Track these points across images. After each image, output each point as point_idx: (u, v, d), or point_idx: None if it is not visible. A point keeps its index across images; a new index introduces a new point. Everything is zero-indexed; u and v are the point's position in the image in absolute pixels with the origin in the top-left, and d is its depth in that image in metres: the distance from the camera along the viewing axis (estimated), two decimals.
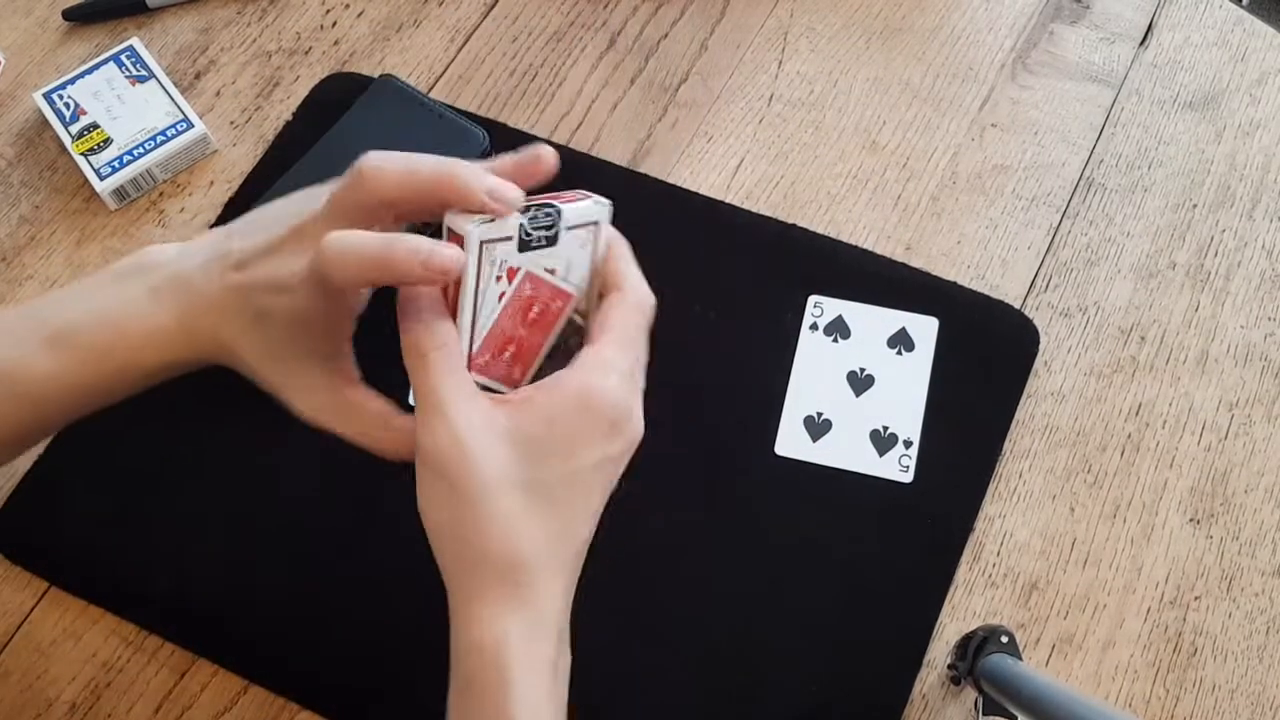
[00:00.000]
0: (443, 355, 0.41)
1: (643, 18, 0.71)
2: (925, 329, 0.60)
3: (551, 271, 0.44)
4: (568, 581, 0.42)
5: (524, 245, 0.43)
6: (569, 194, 0.45)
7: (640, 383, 0.43)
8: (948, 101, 0.68)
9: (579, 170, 0.65)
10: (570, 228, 0.43)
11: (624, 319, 0.42)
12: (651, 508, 0.56)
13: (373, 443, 0.45)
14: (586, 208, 0.44)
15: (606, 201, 0.45)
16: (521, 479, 0.40)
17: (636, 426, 0.42)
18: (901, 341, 0.60)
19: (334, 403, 0.45)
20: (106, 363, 0.44)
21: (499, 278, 0.43)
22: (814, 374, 0.59)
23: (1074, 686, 0.53)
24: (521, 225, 0.42)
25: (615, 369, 0.41)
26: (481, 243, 0.42)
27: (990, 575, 0.56)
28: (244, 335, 0.44)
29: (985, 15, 0.71)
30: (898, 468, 0.57)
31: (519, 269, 0.43)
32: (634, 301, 0.42)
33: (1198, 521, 0.56)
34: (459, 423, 0.39)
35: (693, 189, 0.65)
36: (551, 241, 0.43)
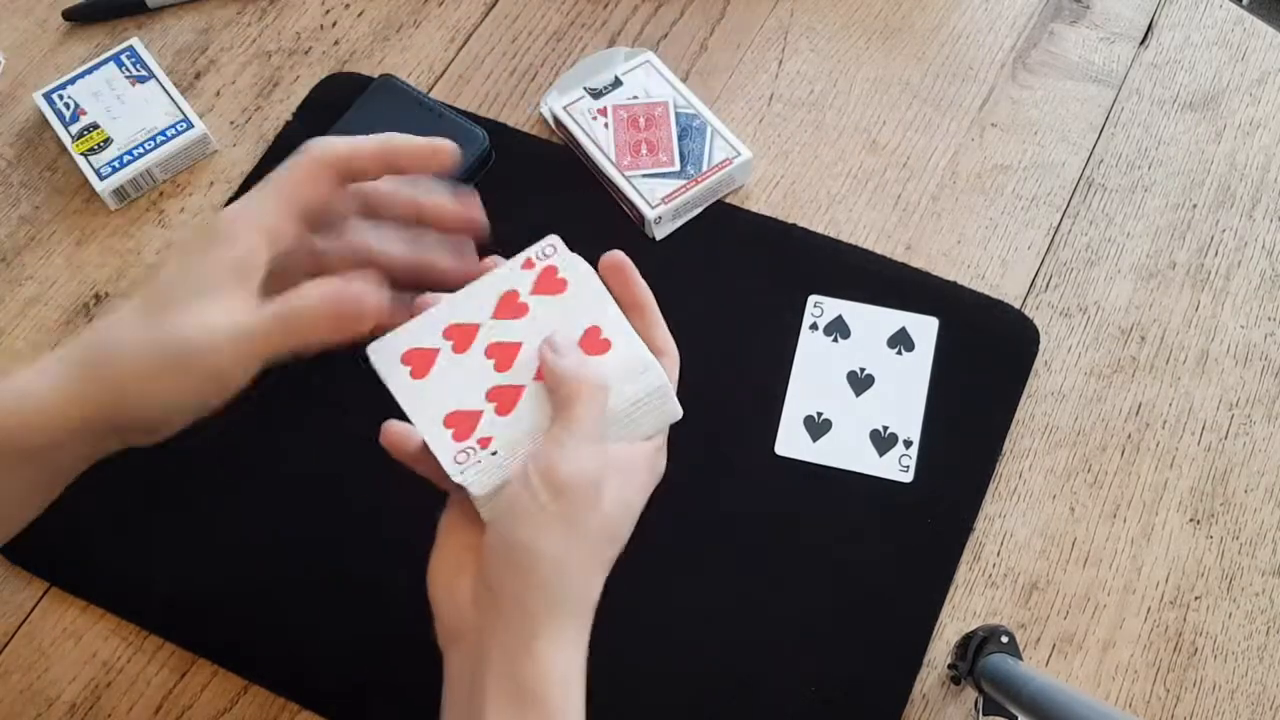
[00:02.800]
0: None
1: (643, 18, 0.71)
2: (925, 329, 0.60)
3: None
4: None
5: None
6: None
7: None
8: (948, 101, 0.68)
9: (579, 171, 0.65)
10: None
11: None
12: (651, 507, 0.56)
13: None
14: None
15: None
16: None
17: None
18: (901, 341, 0.60)
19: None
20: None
21: None
22: (814, 374, 0.59)
23: (1074, 686, 0.53)
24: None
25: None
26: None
27: (990, 575, 0.56)
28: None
29: (985, 15, 0.71)
30: (898, 468, 0.57)
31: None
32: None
33: (1198, 521, 0.56)
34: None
35: None
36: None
